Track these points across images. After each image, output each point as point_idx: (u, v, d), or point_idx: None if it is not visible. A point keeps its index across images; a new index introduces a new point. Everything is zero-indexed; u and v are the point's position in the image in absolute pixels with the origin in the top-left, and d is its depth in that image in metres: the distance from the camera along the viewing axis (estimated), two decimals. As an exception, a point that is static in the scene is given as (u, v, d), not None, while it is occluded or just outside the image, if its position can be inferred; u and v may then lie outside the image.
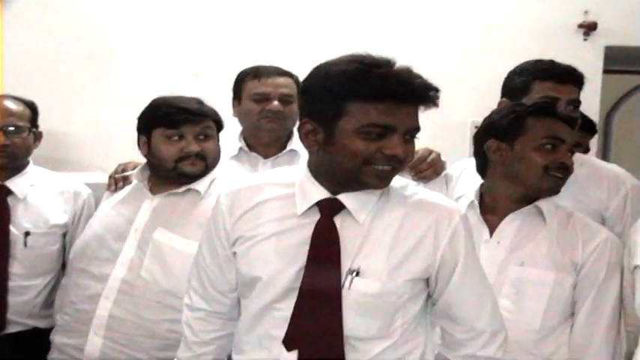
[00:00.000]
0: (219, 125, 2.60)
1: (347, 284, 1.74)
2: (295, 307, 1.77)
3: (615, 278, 2.14)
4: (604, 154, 6.55)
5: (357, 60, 1.69)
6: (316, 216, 1.79)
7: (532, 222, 2.21)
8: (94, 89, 3.52)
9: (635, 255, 2.08)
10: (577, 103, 2.55)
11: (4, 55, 3.36)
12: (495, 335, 1.88)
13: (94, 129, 3.51)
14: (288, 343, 1.78)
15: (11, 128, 2.72)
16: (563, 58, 2.69)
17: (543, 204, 2.21)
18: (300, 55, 3.39)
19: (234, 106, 3.07)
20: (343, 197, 1.78)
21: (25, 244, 2.70)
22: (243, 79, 3.04)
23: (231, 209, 1.90)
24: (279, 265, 1.80)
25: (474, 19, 3.42)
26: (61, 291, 2.64)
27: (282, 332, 1.79)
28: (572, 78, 2.56)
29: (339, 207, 1.78)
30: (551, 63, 2.58)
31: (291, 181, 1.85)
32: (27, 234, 2.71)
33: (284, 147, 3.06)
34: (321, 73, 1.73)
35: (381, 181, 1.74)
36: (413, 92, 1.67)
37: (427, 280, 1.82)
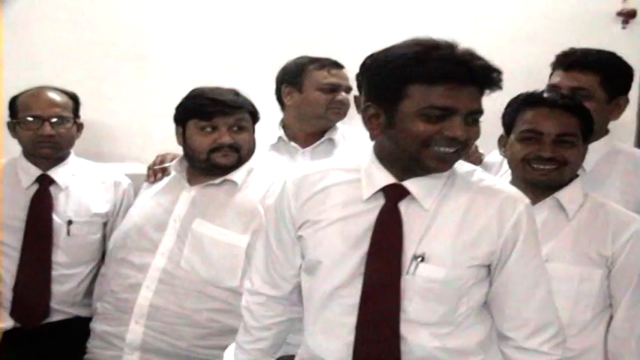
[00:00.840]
0: (254, 116, 2.62)
1: (412, 270, 1.74)
2: (362, 294, 1.77)
3: None
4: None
5: (418, 43, 1.69)
6: (381, 201, 1.78)
7: (556, 215, 2.19)
8: (132, 80, 3.53)
9: None
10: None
11: (33, 46, 3.39)
12: (544, 328, 1.82)
13: (132, 120, 3.52)
14: (359, 329, 1.78)
15: (56, 119, 2.76)
16: (601, 46, 2.66)
17: (562, 195, 2.19)
18: (339, 45, 3.39)
19: (287, 94, 3.06)
20: (409, 183, 1.77)
21: (68, 233, 2.74)
22: (304, 69, 3.04)
23: (297, 194, 1.89)
24: (343, 250, 1.79)
25: (510, 8, 3.39)
26: (101, 280, 2.68)
27: (350, 319, 1.78)
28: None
29: (405, 193, 1.77)
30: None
31: (356, 166, 1.84)
32: (69, 222, 2.75)
33: (321, 137, 3.07)
34: (382, 57, 1.74)
35: (443, 164, 1.73)
36: (474, 74, 1.66)
37: (489, 267, 1.81)
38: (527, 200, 1.81)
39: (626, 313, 2.11)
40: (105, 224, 2.87)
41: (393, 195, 1.78)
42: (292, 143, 3.06)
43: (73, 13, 3.45)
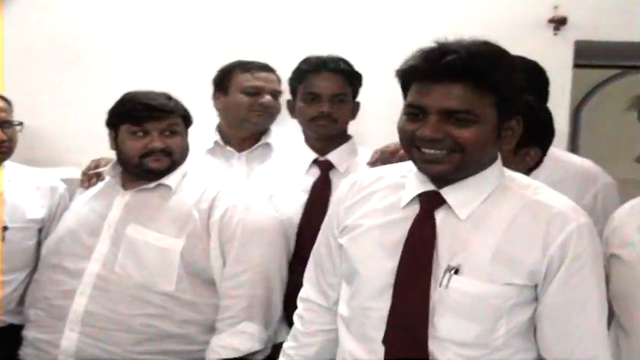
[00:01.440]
0: (187, 121, 2.61)
1: (445, 282, 1.66)
2: (390, 307, 1.70)
3: None
4: (573, 148, 6.63)
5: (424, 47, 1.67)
6: (417, 209, 1.74)
7: None
8: (69, 85, 3.51)
9: (612, 243, 2.10)
10: None
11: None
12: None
13: (67, 124, 3.49)
14: (387, 343, 1.71)
15: (4, 123, 2.71)
16: (533, 53, 2.72)
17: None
18: (277, 49, 3.41)
19: (215, 97, 3.08)
20: (446, 191, 1.70)
21: (3, 239, 2.69)
22: (231, 72, 3.06)
23: (345, 197, 1.88)
24: (378, 259, 1.74)
25: (443, 13, 3.45)
26: (34, 286, 2.63)
27: (380, 333, 1.72)
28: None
29: (442, 201, 1.71)
30: None
31: (409, 169, 1.80)
32: (5, 229, 2.69)
33: (258, 141, 3.08)
34: None
35: (427, 165, 1.67)
36: (439, 69, 1.60)
37: (536, 288, 1.68)
38: (583, 219, 1.67)
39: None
40: (40, 230, 2.82)
41: (428, 203, 1.72)
42: (228, 147, 3.07)
43: (6, 17, 3.40)
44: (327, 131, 2.75)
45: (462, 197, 1.70)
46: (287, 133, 3.08)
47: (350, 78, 2.79)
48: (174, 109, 2.54)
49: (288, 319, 2.62)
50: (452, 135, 1.62)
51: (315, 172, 2.79)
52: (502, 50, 1.68)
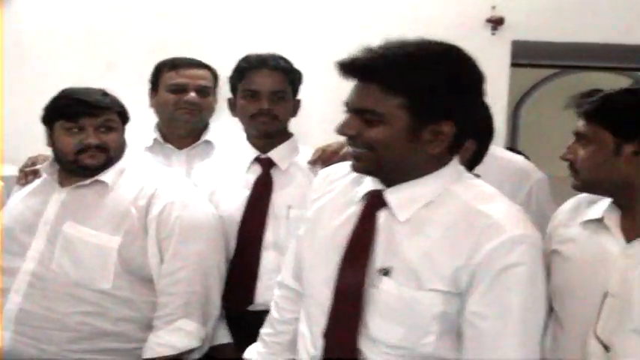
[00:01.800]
0: (124, 117, 2.59)
1: (376, 283, 1.67)
2: (331, 300, 1.73)
3: None
4: (512, 146, 6.74)
5: None
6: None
7: None
8: (6, 81, 3.45)
9: (553, 240, 2.12)
10: None
11: None
12: None
13: (4, 121, 3.44)
14: (326, 335, 1.74)
15: None
16: (471, 52, 2.75)
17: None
18: (216, 47, 3.40)
19: (151, 96, 3.07)
20: (388, 192, 1.72)
21: None
22: (160, 70, 3.05)
23: (316, 189, 1.91)
24: (324, 253, 1.78)
25: (382, 13, 3.47)
26: (-33, 285, 2.59)
27: (325, 320, 1.75)
28: None
29: (384, 201, 1.72)
30: None
31: None
32: None
33: (199, 138, 3.07)
34: None
35: (353, 162, 1.71)
36: (353, 70, 1.65)
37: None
38: (517, 232, 1.62)
39: None
40: (-23, 228, 2.77)
41: (372, 202, 1.75)
42: (168, 145, 3.05)
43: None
44: (268, 128, 2.76)
45: (402, 199, 1.70)
46: (228, 131, 3.07)
47: (289, 75, 2.80)
48: (110, 105, 2.52)
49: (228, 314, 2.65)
50: (361, 133, 1.65)
51: (257, 170, 2.80)
52: (422, 54, 1.65)
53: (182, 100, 2.98)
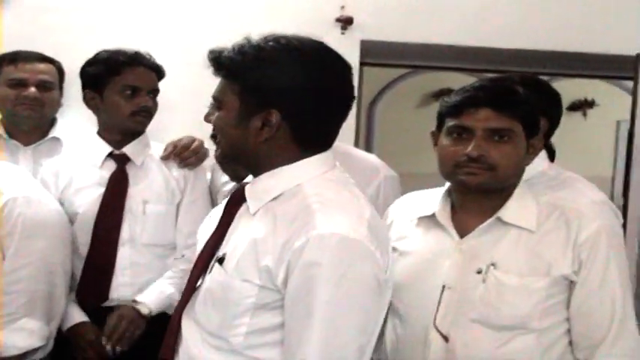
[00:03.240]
0: None
1: (210, 269, 1.73)
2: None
3: None
4: (367, 145, 6.93)
5: None
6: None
7: None
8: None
9: (391, 237, 2.14)
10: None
11: None
12: None
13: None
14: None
15: None
16: (321, 51, 2.84)
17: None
18: (70, 42, 3.36)
19: None
20: (249, 186, 1.76)
21: None
22: (0, 65, 2.97)
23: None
24: (204, 238, 1.85)
25: (233, 12, 3.53)
26: None
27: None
28: None
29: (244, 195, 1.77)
30: None
31: None
32: None
33: (45, 134, 3.02)
34: None
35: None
36: (212, 64, 1.71)
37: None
38: (328, 230, 1.57)
39: None
40: None
41: (233, 196, 1.80)
42: (13, 141, 2.99)
43: None
44: (144, 126, 2.78)
45: (256, 192, 1.74)
46: (74, 126, 3.05)
47: (158, 73, 2.82)
48: None
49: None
50: (211, 120, 1.76)
51: (111, 166, 2.78)
52: (263, 47, 1.68)
53: (22, 95, 2.92)
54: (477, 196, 2.03)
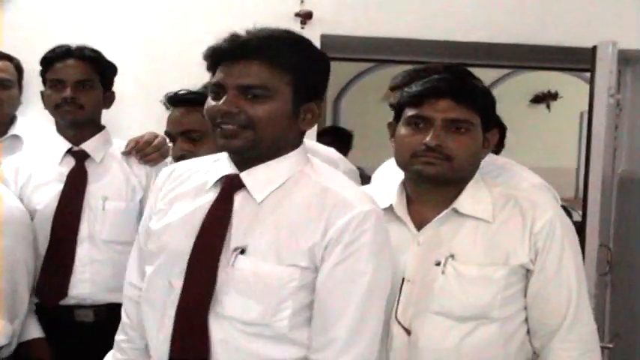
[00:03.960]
0: None
1: (231, 261, 1.69)
2: (182, 285, 1.73)
3: None
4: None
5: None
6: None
7: None
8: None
9: None
10: None
11: None
12: (349, 349, 1.70)
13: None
14: (176, 321, 1.74)
15: None
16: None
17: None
18: (25, 38, 3.34)
19: None
20: (244, 175, 1.75)
21: None
22: None
23: (163, 184, 1.89)
24: (179, 240, 1.77)
25: (191, 6, 3.52)
26: None
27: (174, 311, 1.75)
28: None
29: (241, 184, 1.75)
30: None
31: (222, 156, 1.83)
32: None
33: (5, 132, 3.01)
34: None
35: (225, 141, 1.71)
36: (237, 49, 1.68)
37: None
38: (367, 207, 1.70)
39: None
40: None
41: (228, 185, 1.76)
42: (-31, 140, 2.98)
43: None
44: (73, 117, 2.74)
45: (259, 181, 1.74)
46: (37, 124, 3.03)
47: (97, 65, 2.79)
48: None
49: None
50: (245, 110, 1.67)
51: (70, 162, 2.78)
52: (301, 37, 1.78)
53: None
54: (432, 187, 2.04)
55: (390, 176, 2.24)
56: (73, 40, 2.83)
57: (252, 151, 1.73)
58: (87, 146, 2.78)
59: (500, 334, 1.99)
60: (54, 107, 2.73)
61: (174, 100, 2.40)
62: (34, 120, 3.10)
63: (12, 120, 3.04)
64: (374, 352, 1.74)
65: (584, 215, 3.60)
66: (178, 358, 1.74)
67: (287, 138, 1.75)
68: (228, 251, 1.71)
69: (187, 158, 2.12)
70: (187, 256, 1.74)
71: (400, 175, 2.13)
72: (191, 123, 2.34)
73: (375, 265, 1.70)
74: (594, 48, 3.51)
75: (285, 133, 1.74)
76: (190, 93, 2.40)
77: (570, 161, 7.64)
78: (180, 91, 2.45)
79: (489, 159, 2.33)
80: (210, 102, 1.73)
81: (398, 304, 1.99)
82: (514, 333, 2.02)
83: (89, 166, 2.78)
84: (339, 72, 5.54)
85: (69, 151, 2.78)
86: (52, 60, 2.73)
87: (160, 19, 3.47)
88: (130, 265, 2.02)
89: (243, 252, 1.69)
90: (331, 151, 2.91)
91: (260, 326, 1.69)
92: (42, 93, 2.81)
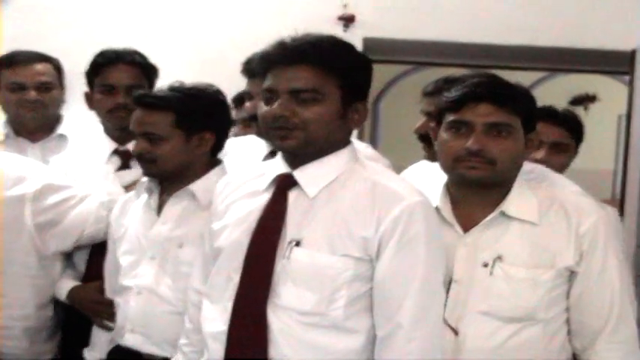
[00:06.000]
0: None
1: (287, 254, 1.75)
2: (240, 277, 1.80)
3: None
4: (373, 140, 6.98)
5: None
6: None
7: None
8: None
9: None
10: None
11: None
12: (414, 329, 1.76)
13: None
14: (234, 312, 1.80)
15: None
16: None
17: None
18: (73, 40, 3.41)
19: None
20: (297, 172, 1.80)
21: None
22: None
23: (222, 192, 1.95)
24: (237, 235, 1.83)
25: (236, 12, 3.58)
26: None
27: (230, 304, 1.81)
28: None
29: (294, 182, 1.80)
30: None
31: (275, 161, 1.89)
32: None
33: (51, 130, 3.07)
34: None
35: (280, 142, 1.77)
36: (287, 54, 1.73)
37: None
38: (416, 198, 1.76)
39: None
40: None
41: (282, 183, 1.82)
42: (20, 138, 3.03)
43: None
44: (124, 122, 2.78)
45: (311, 177, 1.79)
46: (81, 122, 3.08)
47: (145, 70, 2.84)
48: None
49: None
50: (298, 113, 1.74)
51: (117, 162, 2.83)
52: (345, 42, 1.84)
53: (23, 98, 2.93)
54: (477, 190, 2.04)
55: (424, 178, 2.24)
56: (111, 43, 2.88)
57: (304, 150, 1.79)
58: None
59: (543, 335, 2.01)
60: (106, 112, 2.78)
61: (138, 100, 2.39)
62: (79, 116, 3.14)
63: (57, 119, 3.09)
64: (439, 336, 1.83)
65: (621, 216, 3.59)
66: (236, 347, 1.80)
67: (337, 137, 1.80)
68: (284, 244, 1.76)
69: (145, 158, 2.21)
70: (245, 251, 1.80)
71: (435, 176, 2.14)
72: (149, 125, 2.33)
73: (429, 252, 1.76)
74: (633, 52, 3.50)
75: (335, 132, 1.79)
76: (154, 96, 2.39)
77: (607, 164, 7.59)
78: (148, 91, 2.47)
79: (529, 167, 2.32)
80: (262, 107, 1.79)
81: (445, 305, 1.97)
82: (556, 334, 2.04)
83: (134, 165, 2.82)
84: (378, 75, 5.55)
85: (115, 151, 2.83)
86: (101, 64, 2.78)
87: (203, 22, 3.54)
88: (194, 271, 2.07)
89: (298, 244, 1.75)
90: (368, 148, 2.93)
91: (316, 316, 1.74)
92: (86, 95, 2.83)
